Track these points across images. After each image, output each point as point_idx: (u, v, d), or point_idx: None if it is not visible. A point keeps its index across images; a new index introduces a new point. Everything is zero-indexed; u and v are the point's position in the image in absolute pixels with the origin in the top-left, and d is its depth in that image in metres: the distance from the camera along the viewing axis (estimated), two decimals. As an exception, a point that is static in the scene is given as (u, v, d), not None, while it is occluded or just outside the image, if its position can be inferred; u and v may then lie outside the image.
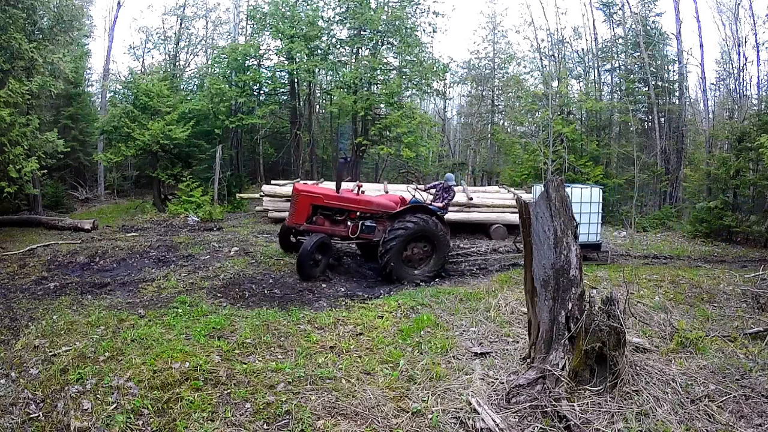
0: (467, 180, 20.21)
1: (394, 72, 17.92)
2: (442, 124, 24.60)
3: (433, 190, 8.65)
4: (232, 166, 18.94)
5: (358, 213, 7.56)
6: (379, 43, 17.74)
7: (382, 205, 7.74)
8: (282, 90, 18.64)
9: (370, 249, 7.99)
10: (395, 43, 17.77)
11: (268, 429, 3.04)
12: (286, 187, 12.26)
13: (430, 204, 7.98)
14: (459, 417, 3.16)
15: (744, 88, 17.38)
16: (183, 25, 21.52)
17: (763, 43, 16.15)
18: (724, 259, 9.97)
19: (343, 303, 6.05)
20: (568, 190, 8.19)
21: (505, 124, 23.08)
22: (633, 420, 3.01)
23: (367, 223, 7.47)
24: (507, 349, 4.26)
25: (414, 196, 8.28)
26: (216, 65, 17.93)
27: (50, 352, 3.98)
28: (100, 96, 20.81)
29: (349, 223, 7.47)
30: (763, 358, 3.92)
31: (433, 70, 17.34)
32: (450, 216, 11.40)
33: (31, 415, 3.14)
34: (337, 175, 7.84)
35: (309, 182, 14.18)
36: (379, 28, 17.06)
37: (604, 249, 9.16)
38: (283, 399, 3.32)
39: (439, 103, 25.51)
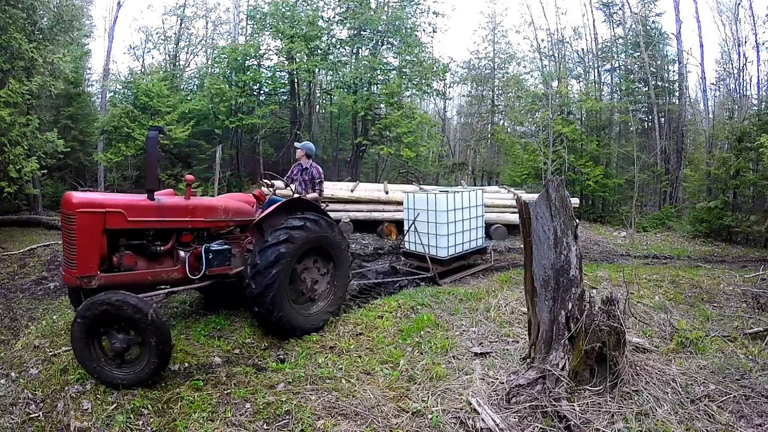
0: (467, 180, 20.19)
1: (394, 72, 17.94)
2: (442, 124, 24.60)
3: (294, 183, 5.96)
4: (232, 166, 18.96)
5: (194, 233, 4.40)
6: (379, 43, 17.76)
7: (237, 211, 4.75)
8: (282, 90, 18.65)
9: (221, 288, 4.82)
10: (395, 43, 17.79)
11: (268, 429, 3.04)
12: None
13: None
14: (459, 417, 3.16)
15: (744, 88, 17.44)
16: (183, 25, 21.53)
17: (763, 43, 16.21)
18: (724, 259, 9.98)
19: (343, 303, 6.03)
20: (446, 196, 7.41)
21: (505, 124, 23.09)
22: (633, 420, 3.01)
23: (214, 246, 4.34)
24: (507, 349, 4.26)
25: (274, 193, 5.54)
26: (216, 65, 17.96)
27: (50, 352, 3.99)
28: (100, 96, 20.77)
29: (182, 254, 4.25)
30: (763, 358, 3.92)
31: (433, 70, 17.36)
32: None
33: (31, 415, 3.14)
34: (147, 163, 4.12)
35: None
36: (379, 28, 17.09)
37: (489, 250, 8.82)
38: (283, 399, 3.32)
39: (439, 103, 25.55)
